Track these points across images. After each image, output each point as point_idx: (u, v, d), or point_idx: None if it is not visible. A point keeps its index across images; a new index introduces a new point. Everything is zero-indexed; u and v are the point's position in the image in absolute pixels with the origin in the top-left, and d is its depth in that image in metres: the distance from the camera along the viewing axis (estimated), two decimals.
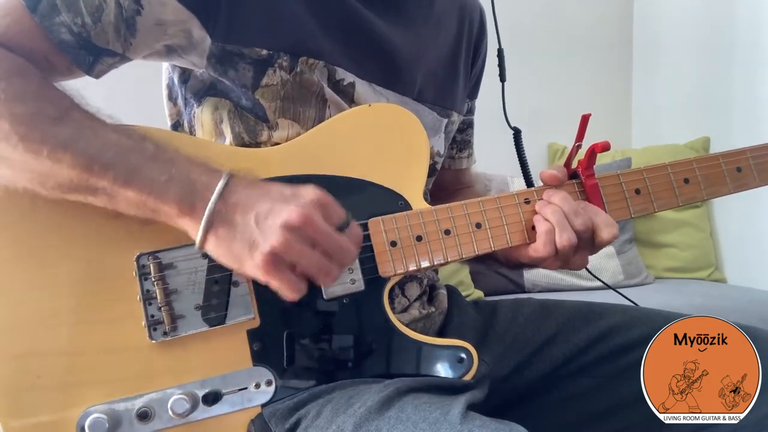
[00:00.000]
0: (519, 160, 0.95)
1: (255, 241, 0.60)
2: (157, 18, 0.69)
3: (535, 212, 0.76)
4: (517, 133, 0.96)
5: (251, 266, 0.61)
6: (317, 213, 0.61)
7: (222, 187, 0.61)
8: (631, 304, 0.98)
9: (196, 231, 0.62)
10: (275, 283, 0.61)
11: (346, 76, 0.78)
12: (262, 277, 0.61)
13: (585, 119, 0.78)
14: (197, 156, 0.65)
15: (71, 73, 0.71)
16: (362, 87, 0.80)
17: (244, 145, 0.77)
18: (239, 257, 0.62)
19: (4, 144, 0.61)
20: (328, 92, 0.77)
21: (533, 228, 0.76)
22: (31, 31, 0.66)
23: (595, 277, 1.06)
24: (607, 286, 1.12)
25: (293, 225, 0.59)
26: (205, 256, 0.69)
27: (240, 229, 0.61)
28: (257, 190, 0.62)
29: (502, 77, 1.00)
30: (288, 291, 0.62)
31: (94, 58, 0.69)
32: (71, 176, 0.62)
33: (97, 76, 0.72)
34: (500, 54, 0.99)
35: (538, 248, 0.74)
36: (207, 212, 0.61)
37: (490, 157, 1.37)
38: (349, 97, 0.79)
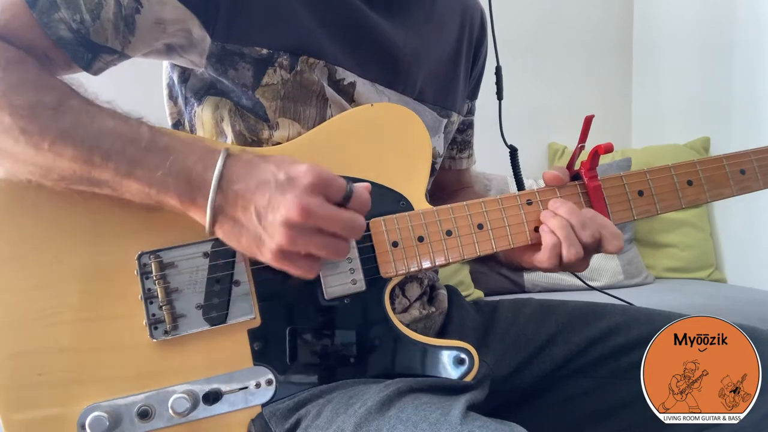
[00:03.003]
0: (515, 178, 0.95)
1: (261, 238, 0.61)
2: (156, 16, 0.69)
3: (537, 212, 0.76)
4: (513, 152, 0.96)
5: (263, 258, 0.63)
6: (316, 199, 0.60)
7: (218, 179, 0.61)
8: (625, 304, 0.98)
9: (203, 221, 0.62)
10: (290, 270, 0.63)
11: (347, 76, 0.78)
12: (275, 266, 0.63)
13: (588, 121, 0.78)
14: (193, 135, 0.65)
15: (70, 69, 0.71)
16: (363, 86, 0.80)
17: (245, 143, 0.77)
18: (250, 250, 0.63)
19: (6, 137, 0.61)
20: (329, 91, 0.77)
21: (536, 229, 0.76)
22: (30, 27, 0.66)
23: (585, 282, 1.06)
24: (591, 288, 1.11)
25: (294, 222, 0.59)
26: (207, 255, 0.69)
27: (244, 225, 0.62)
28: (253, 177, 0.61)
29: (499, 95, 1.00)
30: (303, 274, 0.63)
31: (92, 55, 0.69)
32: (73, 168, 0.62)
33: (96, 73, 0.72)
34: (498, 72, 0.99)
35: (543, 260, 0.74)
36: (209, 209, 0.61)
37: (490, 157, 1.37)
38: (349, 97, 0.79)
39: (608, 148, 0.75)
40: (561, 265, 0.75)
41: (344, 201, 0.62)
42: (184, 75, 0.80)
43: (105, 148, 0.61)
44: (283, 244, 0.60)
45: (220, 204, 0.61)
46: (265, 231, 0.60)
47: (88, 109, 0.64)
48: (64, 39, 0.66)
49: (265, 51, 0.73)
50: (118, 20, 0.68)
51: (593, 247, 0.74)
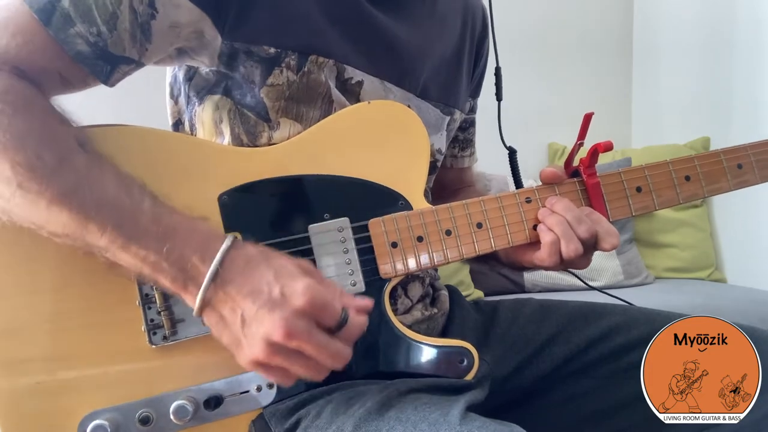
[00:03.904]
0: (514, 179, 0.95)
1: (241, 344, 0.60)
2: (171, 20, 0.68)
3: (536, 211, 0.76)
4: (512, 153, 0.96)
5: (239, 361, 0.61)
6: (304, 323, 0.57)
7: (212, 276, 0.59)
8: (625, 304, 0.98)
9: (192, 304, 0.61)
10: (264, 376, 0.62)
11: (355, 75, 0.78)
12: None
13: (587, 118, 0.78)
14: (195, 218, 0.63)
15: (87, 85, 0.69)
16: (371, 84, 0.80)
17: (242, 146, 0.76)
18: (230, 348, 0.61)
19: (5, 187, 0.59)
20: (335, 93, 0.77)
21: (535, 227, 0.76)
22: (45, 47, 0.64)
23: (584, 282, 1.06)
24: (591, 288, 1.11)
25: (274, 341, 0.57)
26: None
27: (228, 325, 0.60)
28: (248, 282, 0.59)
29: (499, 96, 1.00)
30: (277, 382, 0.62)
31: (111, 67, 0.68)
32: (66, 231, 0.60)
33: (112, 85, 0.70)
34: (497, 73, 0.99)
35: (543, 258, 0.74)
36: (198, 301, 0.60)
37: (489, 158, 1.37)
38: (355, 96, 0.79)
39: (608, 147, 0.75)
40: (562, 263, 0.75)
41: (336, 329, 0.60)
42: (190, 73, 0.79)
43: (102, 219, 0.59)
44: (260, 357, 0.58)
45: (210, 297, 0.60)
46: (246, 339, 0.59)
47: (90, 172, 0.61)
48: (83, 54, 0.65)
49: (272, 50, 0.72)
50: (134, 29, 0.66)
51: (591, 243, 0.74)
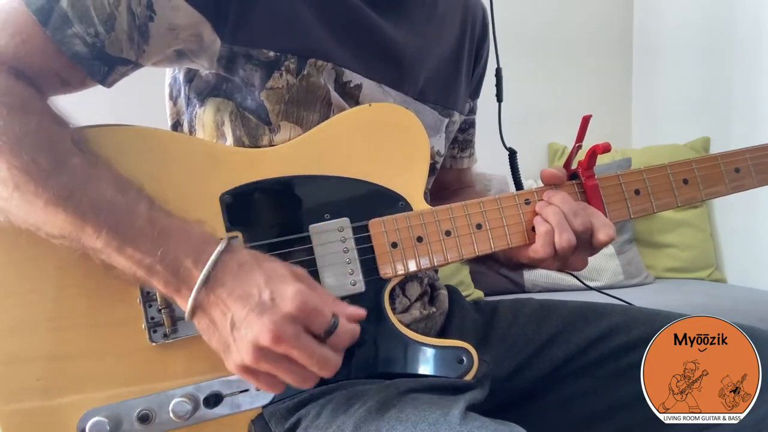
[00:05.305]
0: (513, 180, 0.95)
1: (230, 347, 0.59)
2: (169, 23, 0.68)
3: (535, 213, 0.77)
4: (512, 154, 0.96)
5: (227, 366, 0.61)
6: (293, 328, 0.57)
7: (204, 279, 0.59)
8: (625, 304, 0.98)
9: (183, 308, 0.61)
10: (252, 383, 0.61)
11: (354, 78, 0.78)
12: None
13: (585, 120, 0.78)
14: (190, 222, 0.63)
15: (85, 86, 0.70)
16: (370, 88, 0.80)
17: (244, 147, 0.76)
18: (218, 351, 0.61)
19: (1, 187, 0.60)
20: (334, 96, 0.77)
21: (533, 229, 0.76)
22: (43, 47, 0.64)
23: (582, 282, 1.06)
24: (589, 288, 1.11)
25: (262, 346, 0.57)
26: None
27: (218, 329, 0.60)
28: (239, 286, 0.59)
29: (499, 98, 0.99)
30: (264, 389, 0.62)
31: (108, 68, 0.68)
32: (63, 232, 0.60)
33: (110, 86, 0.71)
34: (498, 74, 0.99)
35: (537, 249, 0.75)
36: (190, 304, 0.59)
37: (490, 158, 1.37)
38: (354, 100, 0.79)
39: (606, 148, 0.75)
40: (557, 257, 0.75)
41: (325, 335, 0.59)
42: (190, 75, 0.79)
43: (98, 221, 0.60)
44: (247, 362, 0.58)
45: (201, 301, 0.60)
46: (235, 343, 0.59)
47: (87, 174, 0.61)
48: (80, 54, 0.65)
49: (272, 54, 0.72)
50: (132, 30, 0.67)
51: (585, 237, 0.74)
